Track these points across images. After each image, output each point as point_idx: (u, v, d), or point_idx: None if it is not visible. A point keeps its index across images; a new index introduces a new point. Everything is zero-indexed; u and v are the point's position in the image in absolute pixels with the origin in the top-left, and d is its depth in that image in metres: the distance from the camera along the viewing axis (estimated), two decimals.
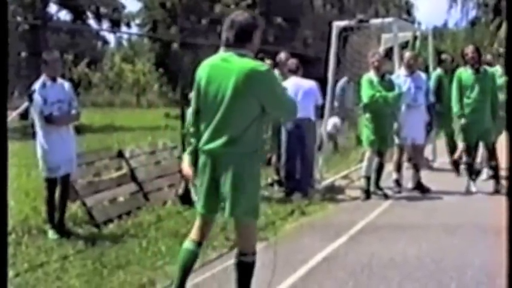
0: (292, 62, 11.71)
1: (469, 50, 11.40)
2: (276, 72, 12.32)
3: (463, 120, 11.31)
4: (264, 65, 5.35)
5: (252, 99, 5.24)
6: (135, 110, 47.27)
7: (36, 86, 8.39)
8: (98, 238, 8.45)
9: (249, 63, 5.26)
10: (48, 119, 8.26)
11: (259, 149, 5.49)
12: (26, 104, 8.07)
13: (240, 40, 5.31)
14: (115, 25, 54.02)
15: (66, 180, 8.55)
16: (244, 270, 5.53)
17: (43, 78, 8.47)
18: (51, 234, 8.34)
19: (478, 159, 12.62)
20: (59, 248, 7.89)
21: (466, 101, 11.31)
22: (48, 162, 8.30)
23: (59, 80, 8.62)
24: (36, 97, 8.27)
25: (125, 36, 71.19)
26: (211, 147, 5.32)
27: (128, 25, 55.49)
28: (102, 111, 39.61)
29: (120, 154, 10.78)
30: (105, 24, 54.22)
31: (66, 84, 8.70)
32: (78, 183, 9.49)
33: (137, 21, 54.81)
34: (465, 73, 11.35)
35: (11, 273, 6.86)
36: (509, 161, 3.94)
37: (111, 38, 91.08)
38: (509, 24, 3.90)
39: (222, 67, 5.32)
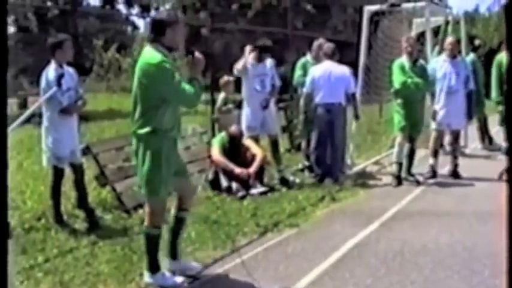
0: (328, 47, 11.49)
1: None
2: (309, 56, 12.25)
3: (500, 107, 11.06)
4: (156, 59, 5.82)
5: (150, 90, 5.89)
6: None
7: (50, 72, 7.96)
8: (128, 223, 8.43)
9: (144, 57, 5.92)
10: (64, 109, 7.96)
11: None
12: (54, 89, 7.76)
13: (153, 35, 5.99)
14: (145, 10, 54.19)
15: (79, 168, 8.34)
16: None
17: (54, 64, 8.02)
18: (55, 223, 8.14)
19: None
20: (89, 233, 7.88)
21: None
22: (58, 152, 8.00)
23: (65, 67, 8.17)
24: (53, 84, 7.90)
25: None
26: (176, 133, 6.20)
27: (158, 10, 55.61)
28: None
29: None
30: (135, 9, 54.41)
31: (72, 71, 8.30)
32: (108, 168, 9.44)
33: (167, 6, 54.85)
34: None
35: (40, 258, 6.86)
36: (509, 152, 3.83)
37: (140, 23, 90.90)
38: (509, 24, 3.78)
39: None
